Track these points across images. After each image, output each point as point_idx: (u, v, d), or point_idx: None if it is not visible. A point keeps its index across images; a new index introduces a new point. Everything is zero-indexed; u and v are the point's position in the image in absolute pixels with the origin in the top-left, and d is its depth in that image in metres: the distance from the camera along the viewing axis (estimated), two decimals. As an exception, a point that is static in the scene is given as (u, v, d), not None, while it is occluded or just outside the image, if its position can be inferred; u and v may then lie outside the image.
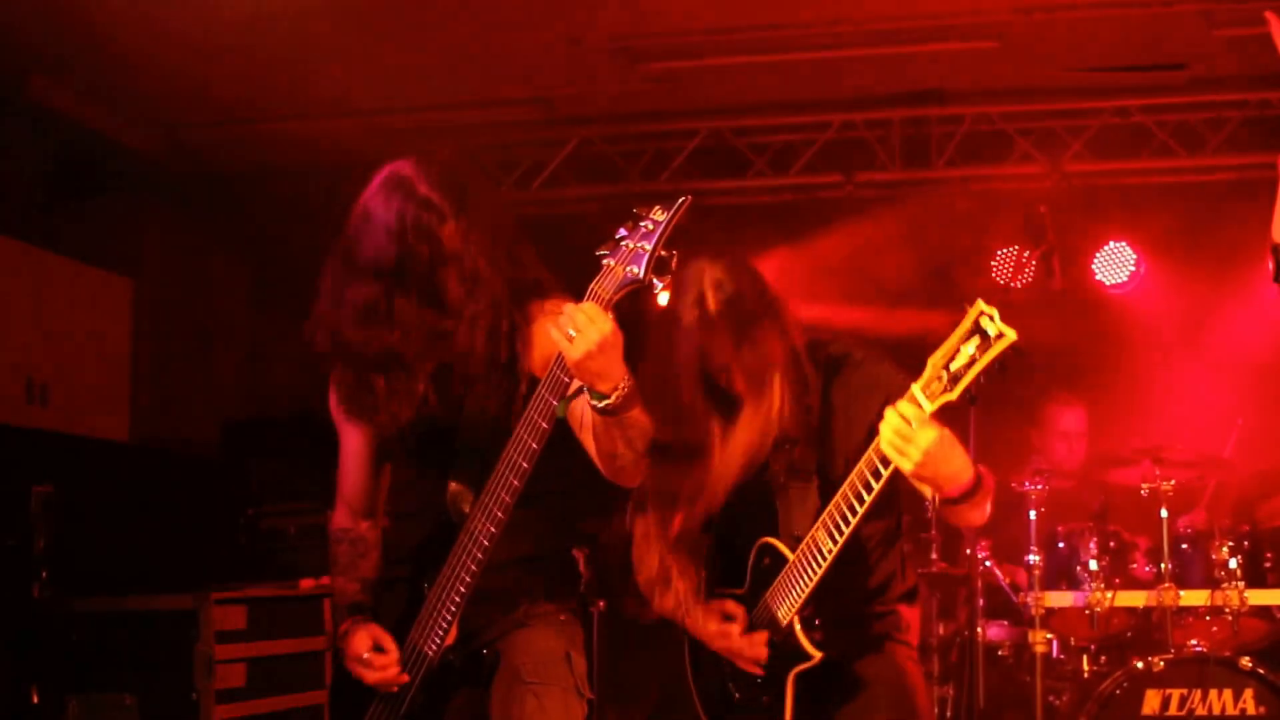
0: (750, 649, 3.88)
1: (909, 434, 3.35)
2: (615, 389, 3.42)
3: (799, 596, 3.77)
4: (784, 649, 3.84)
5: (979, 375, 3.25)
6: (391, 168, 3.89)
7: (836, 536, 3.64)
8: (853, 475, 3.60)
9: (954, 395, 3.30)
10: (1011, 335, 3.20)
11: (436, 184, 3.82)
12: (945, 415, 3.41)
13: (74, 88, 8.20)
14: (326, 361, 4.02)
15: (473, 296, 3.81)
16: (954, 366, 3.28)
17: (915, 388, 3.37)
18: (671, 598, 4.13)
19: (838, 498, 3.64)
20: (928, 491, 3.68)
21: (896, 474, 3.57)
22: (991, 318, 3.23)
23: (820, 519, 3.70)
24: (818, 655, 3.79)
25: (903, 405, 3.38)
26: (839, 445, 3.90)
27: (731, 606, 3.96)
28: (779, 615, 3.83)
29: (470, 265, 3.80)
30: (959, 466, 3.46)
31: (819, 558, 3.69)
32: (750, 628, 3.91)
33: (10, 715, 5.71)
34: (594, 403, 3.46)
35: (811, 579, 3.72)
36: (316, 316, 3.97)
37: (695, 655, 4.19)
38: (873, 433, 3.71)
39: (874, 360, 4.00)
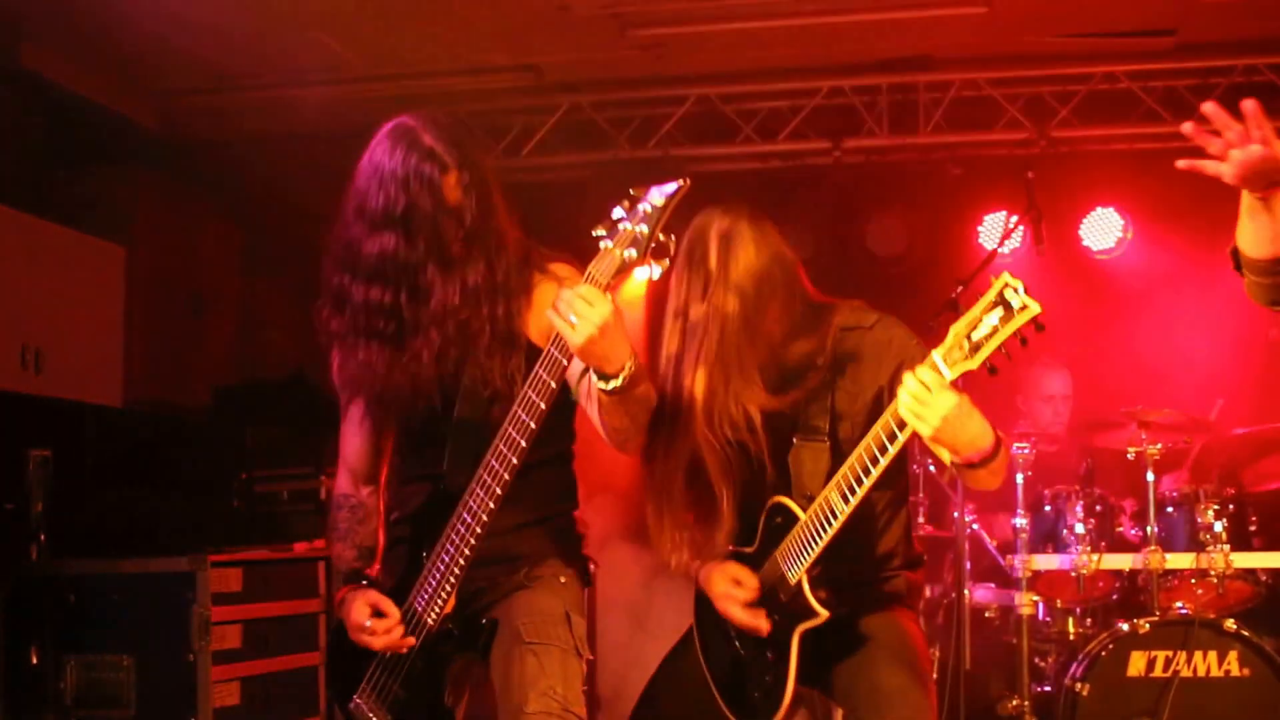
0: (750, 622, 3.91)
1: (927, 399, 3.37)
2: (621, 370, 3.46)
3: (809, 556, 3.78)
4: (791, 607, 3.86)
5: (1000, 346, 3.28)
6: (396, 121, 3.91)
7: (850, 498, 3.65)
8: (868, 438, 3.60)
9: (974, 364, 3.32)
10: (1035, 308, 3.23)
11: (440, 136, 3.85)
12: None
13: (66, 55, 8.18)
14: (332, 334, 4.02)
15: (472, 253, 3.84)
16: (975, 336, 3.30)
17: (936, 354, 3.39)
18: (686, 553, 4.16)
19: (852, 459, 3.65)
20: (945, 456, 3.72)
21: (913, 438, 3.61)
22: (1016, 290, 3.25)
23: (834, 480, 3.70)
24: (824, 614, 3.80)
25: (922, 371, 3.39)
26: (848, 407, 3.92)
27: (742, 574, 3.97)
28: (788, 574, 3.84)
29: (470, 220, 3.82)
30: (977, 432, 3.47)
31: (831, 519, 3.70)
32: (760, 586, 3.93)
33: (10, 677, 5.76)
34: (600, 384, 3.49)
35: (822, 539, 3.73)
36: (325, 282, 3.98)
37: (703, 612, 4.22)
38: (881, 396, 3.75)
39: (886, 325, 4.02)
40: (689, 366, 3.96)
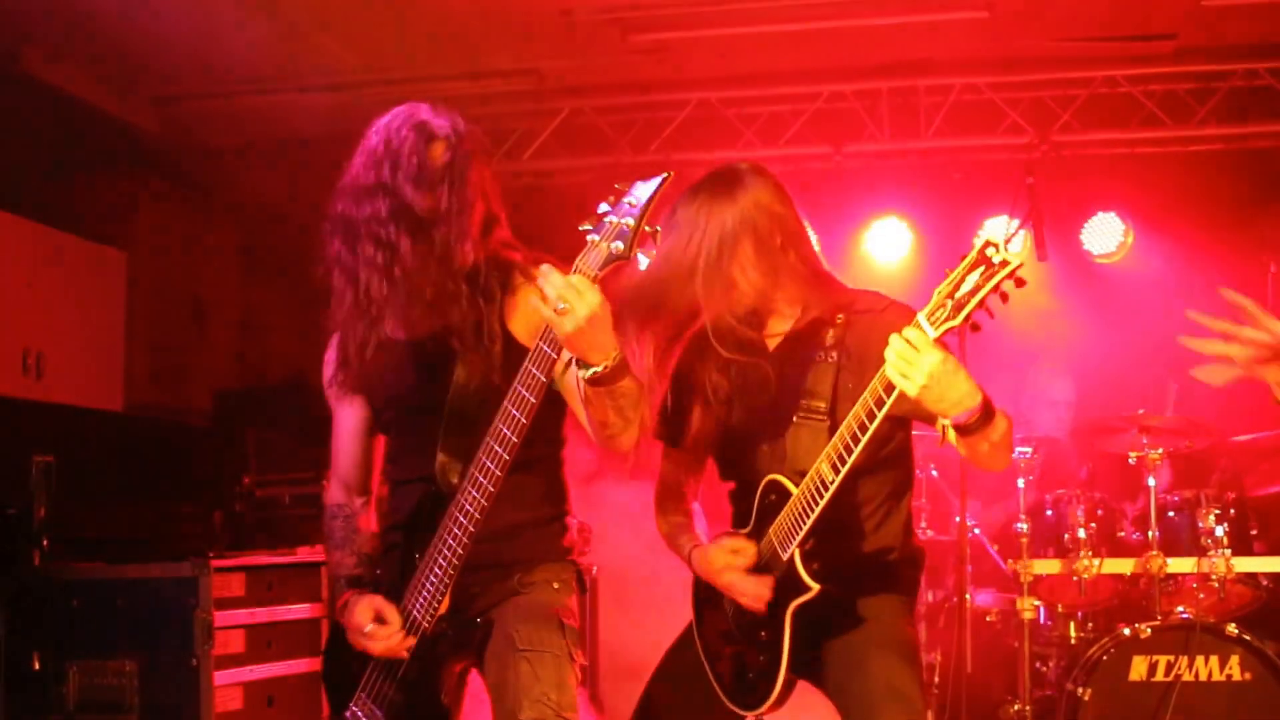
0: (754, 586, 3.88)
1: (912, 357, 3.37)
2: (605, 360, 3.47)
3: (801, 531, 3.76)
4: (784, 583, 3.83)
5: (982, 301, 3.29)
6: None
7: (839, 467, 3.64)
8: (857, 406, 3.59)
9: (958, 321, 3.32)
10: (1015, 262, 3.24)
11: (437, 113, 3.91)
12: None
13: (68, 60, 8.18)
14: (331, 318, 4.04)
15: (458, 225, 3.84)
16: (959, 295, 3.31)
17: (920, 314, 3.40)
18: (685, 540, 4.17)
19: (841, 429, 3.64)
20: (939, 425, 3.72)
21: (905, 415, 3.64)
22: (997, 247, 3.27)
23: (825, 452, 3.70)
24: (816, 587, 3.77)
25: (908, 330, 3.40)
26: (852, 390, 3.86)
27: (738, 543, 3.96)
28: (780, 549, 3.83)
29: (458, 195, 3.83)
30: (965, 391, 3.45)
31: (821, 490, 3.69)
32: (755, 563, 3.92)
33: (12, 682, 5.76)
34: (582, 374, 3.50)
35: (813, 512, 3.72)
36: (323, 256, 3.99)
37: (700, 599, 4.22)
38: None
39: (897, 310, 3.97)
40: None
